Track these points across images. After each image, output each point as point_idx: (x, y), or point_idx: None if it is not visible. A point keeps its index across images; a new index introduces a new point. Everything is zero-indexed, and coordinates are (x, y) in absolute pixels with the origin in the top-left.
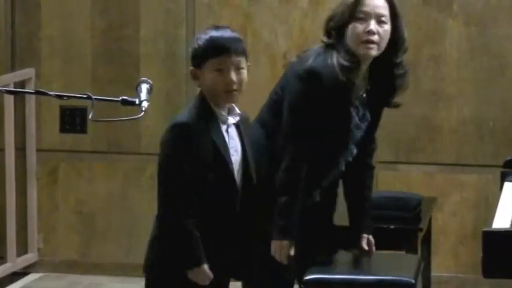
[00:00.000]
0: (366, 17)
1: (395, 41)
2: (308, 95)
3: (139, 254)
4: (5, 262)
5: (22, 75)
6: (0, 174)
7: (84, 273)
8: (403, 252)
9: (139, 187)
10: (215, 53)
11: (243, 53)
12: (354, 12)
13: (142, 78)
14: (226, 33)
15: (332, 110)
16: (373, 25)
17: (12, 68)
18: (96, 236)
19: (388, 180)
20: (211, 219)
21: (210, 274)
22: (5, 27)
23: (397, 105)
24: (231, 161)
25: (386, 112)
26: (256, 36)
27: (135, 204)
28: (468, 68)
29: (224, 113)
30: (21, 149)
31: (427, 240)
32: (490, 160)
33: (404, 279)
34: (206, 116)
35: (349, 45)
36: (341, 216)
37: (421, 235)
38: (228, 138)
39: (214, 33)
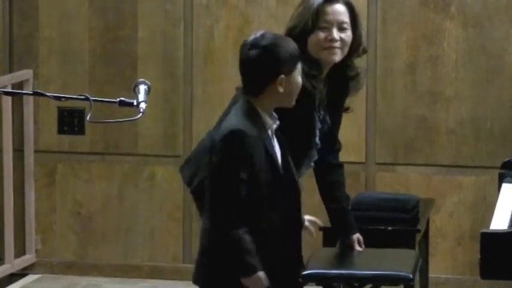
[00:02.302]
0: (328, 25)
1: (354, 45)
2: None
3: (136, 255)
4: (3, 263)
5: (20, 76)
6: None
7: (82, 274)
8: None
9: (137, 188)
10: (299, 58)
11: None
12: (317, 22)
13: (140, 79)
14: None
15: (298, 116)
16: (335, 33)
17: (10, 69)
18: (94, 237)
19: (386, 182)
20: (268, 224)
21: (266, 281)
22: (3, 28)
23: (347, 109)
24: (279, 164)
25: (385, 113)
26: None
27: (132, 206)
28: (466, 69)
29: (270, 118)
30: (19, 150)
31: (424, 241)
32: (487, 161)
33: (402, 274)
34: (255, 122)
35: (312, 53)
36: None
37: (418, 236)
38: (274, 142)
39: (289, 40)
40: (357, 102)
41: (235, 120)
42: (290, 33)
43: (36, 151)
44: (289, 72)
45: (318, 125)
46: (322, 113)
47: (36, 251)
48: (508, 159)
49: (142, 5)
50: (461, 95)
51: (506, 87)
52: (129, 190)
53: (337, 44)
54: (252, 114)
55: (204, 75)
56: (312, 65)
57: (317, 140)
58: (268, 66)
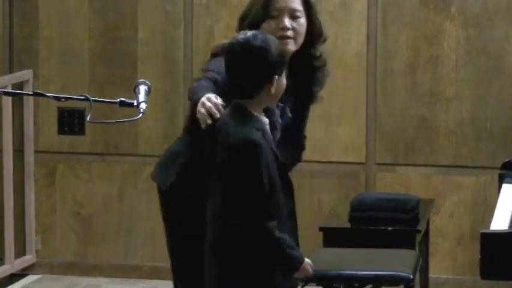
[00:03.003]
0: (279, 14)
1: (312, 34)
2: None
3: (137, 255)
4: (3, 264)
5: (20, 76)
6: None
7: (82, 274)
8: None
9: (137, 188)
10: (285, 60)
11: None
12: (267, 10)
13: (140, 80)
14: None
15: None
16: (286, 21)
17: (10, 70)
18: (94, 237)
19: (386, 182)
20: (286, 223)
21: (311, 263)
22: (3, 28)
23: (319, 100)
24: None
25: (385, 114)
26: None
27: (132, 206)
28: (466, 70)
29: (262, 119)
30: (19, 151)
31: (425, 241)
32: (487, 162)
33: (402, 274)
34: (255, 125)
35: None
36: None
37: (419, 237)
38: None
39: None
40: (357, 102)
41: (241, 130)
42: (242, 21)
43: (36, 151)
44: (281, 72)
45: (277, 116)
46: (281, 104)
47: (37, 251)
48: (508, 159)
49: (142, 5)
50: (461, 95)
51: (506, 87)
52: (129, 190)
53: (290, 33)
54: (250, 119)
55: None
56: None
57: (276, 133)
58: (265, 67)
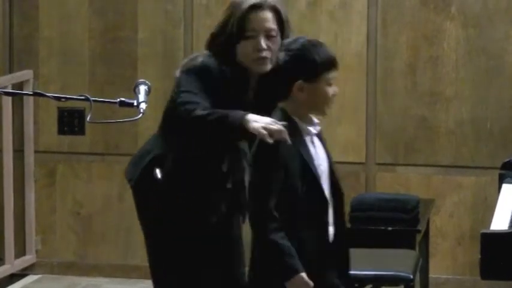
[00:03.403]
0: (255, 34)
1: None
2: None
3: (136, 256)
4: (3, 264)
5: (20, 76)
6: None
7: (82, 274)
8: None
9: None
10: (332, 67)
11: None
12: (242, 31)
13: (140, 80)
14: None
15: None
16: (263, 42)
17: (10, 70)
18: (94, 237)
19: (386, 182)
20: (304, 232)
21: (310, 282)
22: (3, 28)
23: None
24: (317, 172)
25: (385, 114)
26: None
27: (132, 206)
28: (466, 70)
29: (308, 124)
30: (19, 151)
31: (425, 241)
32: (487, 162)
33: (402, 274)
34: (291, 130)
35: (242, 63)
36: None
37: (419, 236)
38: (315, 148)
39: (325, 48)
40: (357, 102)
41: None
42: (214, 39)
43: (36, 151)
44: (310, 79)
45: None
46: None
47: (37, 251)
48: (508, 159)
49: (142, 5)
50: (461, 95)
51: (506, 87)
52: (129, 190)
53: (266, 54)
54: (285, 120)
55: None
56: (238, 75)
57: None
58: (290, 70)
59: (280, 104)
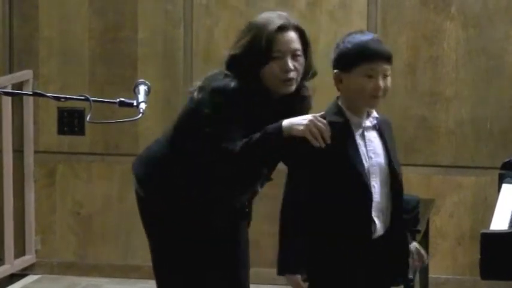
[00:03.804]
0: (282, 55)
1: (307, 67)
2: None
3: (136, 256)
4: (3, 264)
5: (20, 77)
6: None
7: (81, 274)
8: None
9: None
10: (368, 58)
11: (390, 60)
12: (269, 52)
13: (140, 80)
14: (375, 40)
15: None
16: (290, 63)
17: (10, 70)
18: (94, 237)
19: None
20: (345, 230)
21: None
22: (3, 28)
23: None
24: (359, 168)
25: (385, 114)
26: None
27: (132, 206)
28: (466, 70)
29: (359, 117)
30: (19, 151)
31: (425, 241)
32: (487, 162)
33: None
34: (339, 119)
35: (267, 84)
36: None
37: (419, 236)
38: (365, 141)
39: (365, 38)
40: None
41: None
42: (238, 61)
43: (36, 151)
44: (345, 69)
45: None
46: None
47: (36, 251)
48: (508, 159)
49: (142, 5)
50: (461, 95)
51: (506, 87)
52: (129, 191)
53: (293, 75)
54: (335, 111)
55: (204, 75)
56: (262, 96)
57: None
58: (333, 60)
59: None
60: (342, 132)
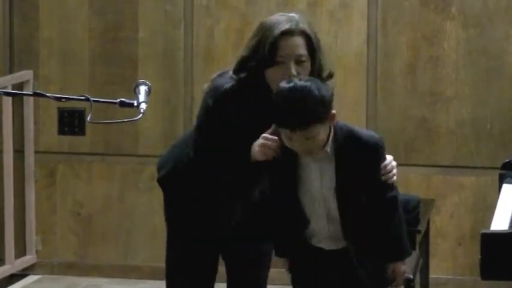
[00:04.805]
0: (285, 60)
1: (317, 71)
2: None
3: (137, 256)
4: (3, 264)
5: (20, 77)
6: None
7: (82, 275)
8: None
9: (137, 189)
10: (284, 127)
11: (309, 124)
12: (273, 57)
13: (141, 80)
14: (296, 99)
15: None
16: (293, 68)
17: (10, 70)
18: (94, 237)
19: None
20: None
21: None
22: (3, 29)
23: None
24: (299, 193)
25: (385, 114)
26: None
27: (133, 206)
28: (466, 70)
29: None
30: (19, 151)
31: (425, 242)
32: (487, 162)
33: None
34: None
35: (271, 86)
36: None
37: (419, 237)
38: (309, 170)
39: (285, 99)
40: (357, 102)
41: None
42: (245, 63)
43: (36, 152)
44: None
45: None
46: None
47: (37, 251)
48: (508, 159)
49: (142, 5)
50: (461, 95)
51: (507, 87)
52: (130, 191)
53: None
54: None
55: (204, 75)
56: (267, 96)
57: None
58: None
59: None
60: (287, 155)
